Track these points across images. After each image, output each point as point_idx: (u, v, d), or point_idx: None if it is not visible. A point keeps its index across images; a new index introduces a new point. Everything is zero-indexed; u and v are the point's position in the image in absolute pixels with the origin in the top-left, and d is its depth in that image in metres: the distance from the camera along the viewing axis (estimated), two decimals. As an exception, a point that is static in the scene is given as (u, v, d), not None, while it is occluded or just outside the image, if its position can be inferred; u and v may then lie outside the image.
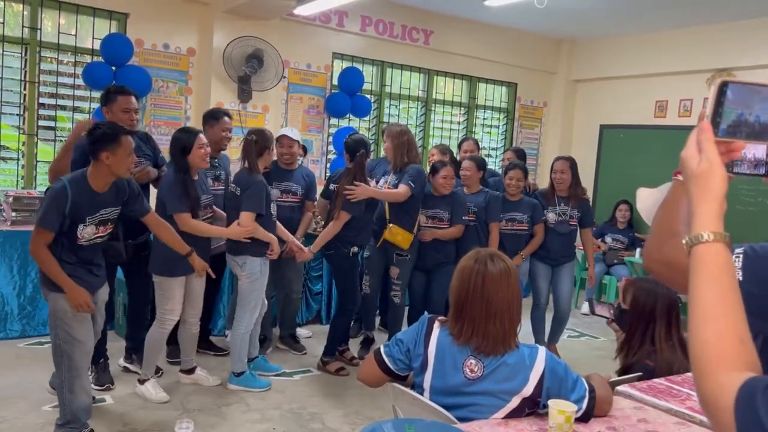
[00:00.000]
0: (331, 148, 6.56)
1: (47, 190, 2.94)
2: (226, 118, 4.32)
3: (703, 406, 0.84)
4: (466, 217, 4.64)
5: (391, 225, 4.44)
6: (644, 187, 4.74)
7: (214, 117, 4.31)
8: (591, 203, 6.40)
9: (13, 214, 4.64)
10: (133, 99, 3.83)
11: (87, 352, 3.11)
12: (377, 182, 4.57)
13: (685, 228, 1.17)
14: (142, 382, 3.77)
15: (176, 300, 3.75)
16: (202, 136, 3.74)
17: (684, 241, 0.93)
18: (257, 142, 3.93)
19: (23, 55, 5.19)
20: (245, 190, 3.84)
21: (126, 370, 4.10)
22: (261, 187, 3.86)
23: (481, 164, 4.83)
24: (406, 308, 4.80)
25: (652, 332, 2.49)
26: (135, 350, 4.10)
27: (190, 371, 4.04)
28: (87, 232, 3.01)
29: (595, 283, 5.78)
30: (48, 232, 2.91)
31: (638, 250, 6.73)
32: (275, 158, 4.45)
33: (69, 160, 3.57)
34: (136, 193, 3.26)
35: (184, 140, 3.67)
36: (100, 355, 3.84)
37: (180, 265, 3.62)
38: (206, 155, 3.71)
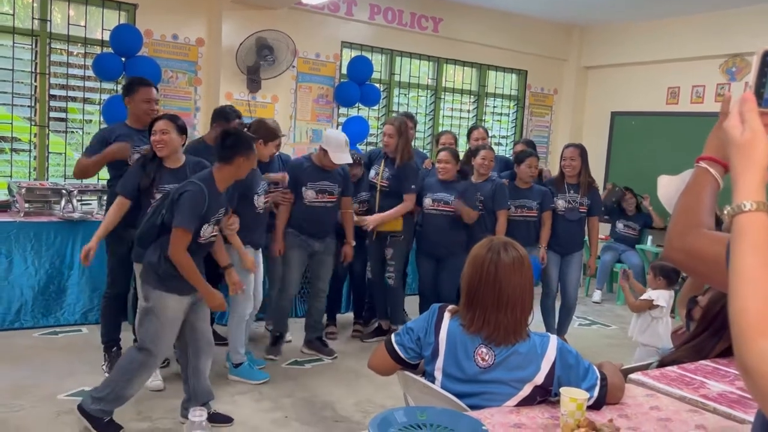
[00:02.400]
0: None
1: (183, 192, 2.96)
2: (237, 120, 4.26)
3: (743, 372, 0.84)
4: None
5: None
6: (663, 174, 4.68)
7: (225, 118, 4.20)
8: (601, 191, 6.36)
9: (26, 205, 4.67)
10: (154, 90, 3.92)
11: (162, 353, 3.15)
12: (375, 172, 4.71)
13: (709, 218, 1.15)
14: None
15: None
16: None
17: (726, 211, 0.93)
18: (248, 130, 3.89)
19: (33, 46, 5.21)
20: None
21: None
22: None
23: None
24: (417, 297, 4.81)
25: (711, 347, 2.26)
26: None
27: None
28: (207, 231, 3.10)
29: (595, 272, 5.71)
30: (190, 233, 2.97)
31: (650, 237, 6.69)
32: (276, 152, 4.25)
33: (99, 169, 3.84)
34: (234, 193, 3.39)
35: None
36: (113, 344, 3.90)
37: None
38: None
